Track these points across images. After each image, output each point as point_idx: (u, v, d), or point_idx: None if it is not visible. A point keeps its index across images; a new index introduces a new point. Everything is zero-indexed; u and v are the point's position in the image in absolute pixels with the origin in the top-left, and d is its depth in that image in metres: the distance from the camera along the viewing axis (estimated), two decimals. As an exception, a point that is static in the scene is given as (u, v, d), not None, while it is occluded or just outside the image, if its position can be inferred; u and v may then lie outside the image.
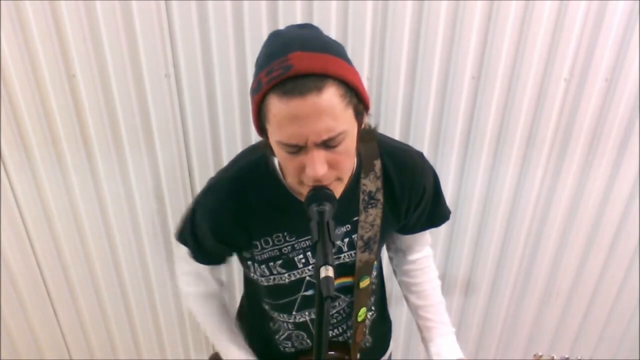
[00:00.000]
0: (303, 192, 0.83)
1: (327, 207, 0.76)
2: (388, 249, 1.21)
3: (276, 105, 0.72)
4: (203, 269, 1.09)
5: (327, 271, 0.65)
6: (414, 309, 1.18)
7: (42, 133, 1.45)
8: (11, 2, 1.26)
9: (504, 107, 1.53)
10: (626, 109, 1.53)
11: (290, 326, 1.09)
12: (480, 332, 2.02)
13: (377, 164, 0.95)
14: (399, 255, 1.18)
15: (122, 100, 1.43)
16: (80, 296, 1.78)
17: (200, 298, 1.13)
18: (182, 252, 1.08)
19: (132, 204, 1.62)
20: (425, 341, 1.16)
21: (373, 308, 1.17)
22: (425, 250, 1.16)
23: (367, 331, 1.16)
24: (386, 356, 1.28)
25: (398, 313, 1.91)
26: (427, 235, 1.14)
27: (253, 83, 0.77)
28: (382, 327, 1.25)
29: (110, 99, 1.43)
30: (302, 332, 1.09)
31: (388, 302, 1.26)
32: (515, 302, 1.95)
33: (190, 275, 1.12)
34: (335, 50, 0.76)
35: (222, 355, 1.14)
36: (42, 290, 1.75)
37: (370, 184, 0.95)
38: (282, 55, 0.72)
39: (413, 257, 1.15)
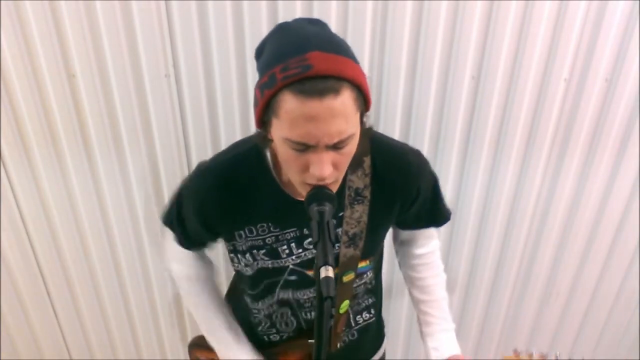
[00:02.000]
0: (301, 190, 0.83)
1: (328, 207, 0.76)
2: (394, 241, 1.21)
3: (291, 103, 0.72)
4: (188, 253, 1.10)
5: (328, 271, 0.66)
6: (415, 303, 1.18)
7: (42, 133, 1.45)
8: (11, 2, 1.26)
9: (504, 107, 1.53)
10: (626, 109, 1.53)
11: (274, 307, 1.08)
12: (480, 332, 2.02)
13: (367, 160, 0.94)
14: (404, 248, 1.18)
15: (122, 100, 1.43)
16: (80, 296, 1.78)
17: (188, 281, 1.13)
18: (167, 236, 1.09)
19: (132, 204, 1.62)
20: (424, 335, 1.16)
21: (372, 311, 1.16)
22: (432, 245, 1.15)
23: (356, 330, 1.16)
24: (377, 356, 1.28)
25: (398, 313, 1.91)
26: (432, 230, 1.14)
27: (263, 77, 0.76)
28: (377, 332, 1.25)
29: (110, 99, 1.43)
30: (286, 310, 1.09)
31: (388, 297, 1.26)
32: (515, 302, 1.95)
33: (177, 260, 1.12)
34: (348, 51, 0.77)
35: (212, 341, 1.15)
36: (42, 290, 1.75)
37: (358, 180, 0.95)
38: (299, 53, 0.72)
39: (419, 251, 1.15)
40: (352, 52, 0.79)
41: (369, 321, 1.17)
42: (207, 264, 1.17)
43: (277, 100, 0.73)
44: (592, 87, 1.50)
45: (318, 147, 0.74)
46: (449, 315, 1.16)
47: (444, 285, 1.17)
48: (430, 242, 1.15)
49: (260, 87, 0.77)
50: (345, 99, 0.72)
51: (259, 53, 0.82)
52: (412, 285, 1.18)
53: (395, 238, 1.20)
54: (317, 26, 0.80)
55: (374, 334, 1.23)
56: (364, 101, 0.78)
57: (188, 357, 1.31)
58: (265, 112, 0.77)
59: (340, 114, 0.72)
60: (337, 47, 0.75)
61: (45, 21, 1.30)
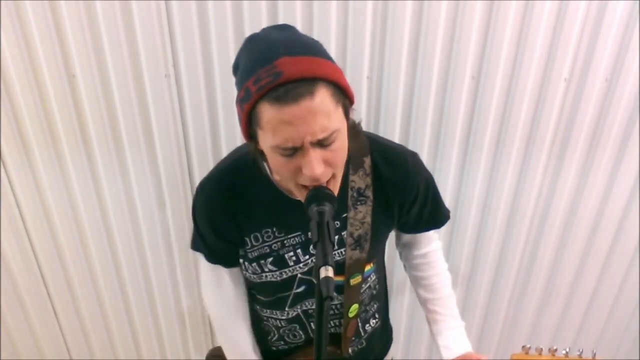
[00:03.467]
0: (298, 193, 0.83)
1: (327, 207, 0.76)
2: (396, 244, 1.22)
3: (269, 113, 0.72)
4: (224, 274, 1.07)
5: (327, 271, 0.66)
6: (422, 302, 1.19)
7: (42, 133, 1.45)
8: (11, 2, 1.26)
9: (504, 107, 1.53)
10: (626, 109, 1.53)
11: (282, 323, 1.09)
12: (480, 332, 2.02)
13: (367, 160, 0.95)
14: (406, 250, 1.18)
15: (122, 100, 1.43)
16: (80, 296, 1.78)
17: (220, 315, 1.13)
18: (201, 266, 1.09)
19: (132, 204, 1.62)
20: (434, 335, 1.16)
21: (377, 316, 1.17)
22: (433, 245, 1.16)
23: (364, 338, 1.16)
24: (388, 357, 1.28)
25: (398, 313, 1.91)
26: (431, 233, 1.14)
27: (240, 92, 0.77)
28: (384, 336, 1.25)
29: (110, 99, 1.43)
30: (294, 325, 1.09)
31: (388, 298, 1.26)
32: (515, 302, 1.95)
33: (212, 294, 1.11)
34: (317, 50, 0.77)
35: None
36: (42, 290, 1.75)
37: (359, 180, 0.95)
38: (268, 62, 0.72)
39: (420, 251, 1.15)
40: (323, 50, 0.79)
41: (375, 327, 1.17)
42: (241, 290, 1.13)
43: (257, 112, 0.74)
44: (592, 87, 1.50)
45: (304, 147, 0.75)
46: (456, 312, 1.16)
47: (449, 283, 1.17)
48: (431, 243, 1.16)
49: (239, 102, 0.78)
50: (323, 97, 0.72)
51: (235, 69, 0.82)
52: (418, 285, 1.19)
53: (397, 241, 1.21)
54: (284, 31, 0.80)
55: (381, 337, 1.23)
56: (343, 95, 0.78)
57: (188, 357, 1.31)
58: (249, 125, 0.78)
59: (319, 112, 0.72)
60: (305, 48, 0.76)
61: (45, 21, 1.30)
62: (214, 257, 1.06)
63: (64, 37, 1.32)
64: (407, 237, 1.14)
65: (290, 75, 0.70)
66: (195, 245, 1.07)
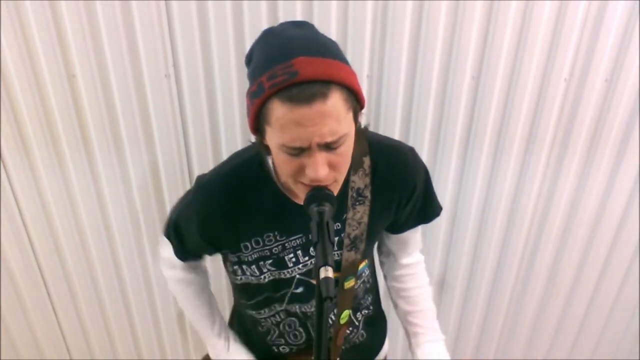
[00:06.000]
0: (298, 192, 0.83)
1: (327, 208, 0.77)
2: (380, 253, 1.21)
3: (280, 110, 0.72)
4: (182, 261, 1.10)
5: (327, 272, 0.66)
6: (402, 315, 1.18)
7: (42, 133, 1.45)
8: (11, 2, 1.26)
9: (504, 107, 1.53)
10: (626, 109, 1.53)
11: (281, 315, 1.08)
12: (479, 332, 2.02)
13: (366, 160, 0.95)
14: (390, 259, 1.17)
15: (122, 100, 1.43)
16: (80, 296, 1.78)
17: (181, 285, 1.14)
18: (164, 244, 1.10)
19: (132, 204, 1.62)
20: (412, 347, 1.15)
21: (371, 308, 1.17)
22: (416, 256, 1.16)
23: (360, 326, 1.15)
24: (382, 356, 1.27)
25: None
26: (418, 237, 1.14)
27: (252, 85, 0.76)
28: (379, 324, 1.25)
29: (110, 99, 1.43)
30: (293, 319, 1.09)
31: (387, 297, 1.26)
32: (515, 302, 1.95)
33: (171, 266, 1.13)
34: (335, 52, 0.77)
35: (207, 345, 1.16)
36: (42, 290, 1.75)
37: (359, 180, 0.95)
38: (285, 59, 0.72)
39: (404, 261, 1.14)
40: (339, 52, 0.79)
41: (369, 314, 1.17)
42: (202, 271, 1.17)
43: (267, 108, 0.74)
44: (592, 87, 1.49)
45: (311, 148, 0.74)
46: (437, 325, 1.16)
47: (430, 297, 1.17)
48: (415, 252, 1.15)
49: (250, 95, 0.77)
50: (335, 101, 0.72)
51: (248, 60, 0.82)
52: (398, 296, 1.18)
53: (379, 249, 1.19)
54: (302, 29, 0.80)
55: (377, 325, 1.23)
56: (355, 100, 0.77)
57: (188, 357, 1.31)
58: (257, 120, 0.78)
59: (330, 115, 0.72)
60: (323, 49, 0.75)
61: (45, 21, 1.30)
62: (181, 254, 1.06)
63: (64, 37, 1.32)
64: (393, 241, 1.13)
65: (306, 76, 0.70)
66: (167, 234, 1.06)
